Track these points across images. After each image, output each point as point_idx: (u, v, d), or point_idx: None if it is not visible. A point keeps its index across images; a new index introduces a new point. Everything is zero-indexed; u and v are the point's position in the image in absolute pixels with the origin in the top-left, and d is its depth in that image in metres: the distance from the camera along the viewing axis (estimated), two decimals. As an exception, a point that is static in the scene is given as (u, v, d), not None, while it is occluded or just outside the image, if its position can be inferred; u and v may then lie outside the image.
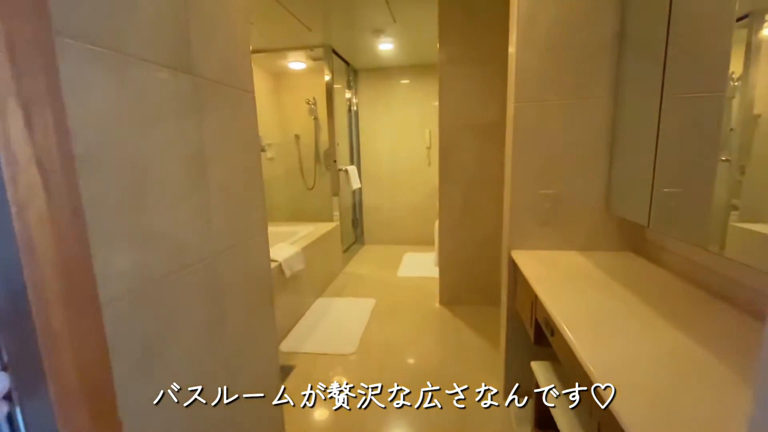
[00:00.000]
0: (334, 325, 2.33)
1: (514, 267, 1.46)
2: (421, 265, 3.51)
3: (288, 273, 2.16)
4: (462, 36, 2.30)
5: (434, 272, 3.24)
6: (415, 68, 4.00)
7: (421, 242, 4.23)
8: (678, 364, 0.69)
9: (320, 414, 1.60)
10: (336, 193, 3.55)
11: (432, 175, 4.12)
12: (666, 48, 1.01)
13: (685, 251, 1.14)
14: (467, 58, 2.31)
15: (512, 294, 1.50)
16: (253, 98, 1.11)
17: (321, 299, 2.78)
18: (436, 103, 3.97)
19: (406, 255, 3.87)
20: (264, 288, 1.19)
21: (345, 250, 3.82)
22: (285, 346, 2.10)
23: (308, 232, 2.94)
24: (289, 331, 2.25)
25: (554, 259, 1.36)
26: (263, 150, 3.65)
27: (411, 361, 1.95)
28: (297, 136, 3.98)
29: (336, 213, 3.52)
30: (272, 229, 3.08)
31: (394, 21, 2.69)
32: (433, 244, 4.21)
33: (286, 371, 1.88)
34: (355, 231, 4.34)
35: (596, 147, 1.37)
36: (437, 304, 2.65)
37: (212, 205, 0.90)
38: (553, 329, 0.95)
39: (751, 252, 0.79)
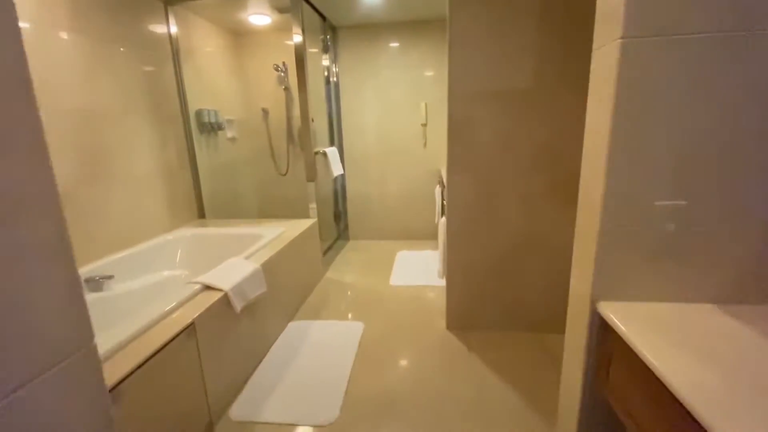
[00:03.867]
0: (308, 371, 1.70)
1: (604, 330, 0.86)
2: (418, 269, 2.90)
3: (239, 306, 1.51)
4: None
5: (435, 279, 2.66)
6: (409, 26, 3.24)
7: (416, 237, 3.62)
8: None
9: None
10: (312, 179, 2.84)
11: (429, 157, 3.46)
12: None
13: None
14: (491, -6, 1.62)
15: (600, 375, 0.90)
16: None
17: (293, 323, 2.14)
18: (431, 73, 3.35)
19: (400, 253, 3.25)
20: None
21: (326, 251, 3.17)
22: (236, 411, 1.46)
23: (277, 234, 2.27)
24: (244, 384, 1.61)
25: (690, 323, 0.75)
26: (220, 129, 2.90)
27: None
28: (265, 111, 3.24)
29: (313, 205, 2.83)
30: (230, 231, 2.37)
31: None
32: (431, 238, 3.61)
33: (235, 458, 1.27)
34: (338, 225, 3.67)
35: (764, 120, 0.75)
36: (444, 328, 2.06)
37: None
38: None
39: None
